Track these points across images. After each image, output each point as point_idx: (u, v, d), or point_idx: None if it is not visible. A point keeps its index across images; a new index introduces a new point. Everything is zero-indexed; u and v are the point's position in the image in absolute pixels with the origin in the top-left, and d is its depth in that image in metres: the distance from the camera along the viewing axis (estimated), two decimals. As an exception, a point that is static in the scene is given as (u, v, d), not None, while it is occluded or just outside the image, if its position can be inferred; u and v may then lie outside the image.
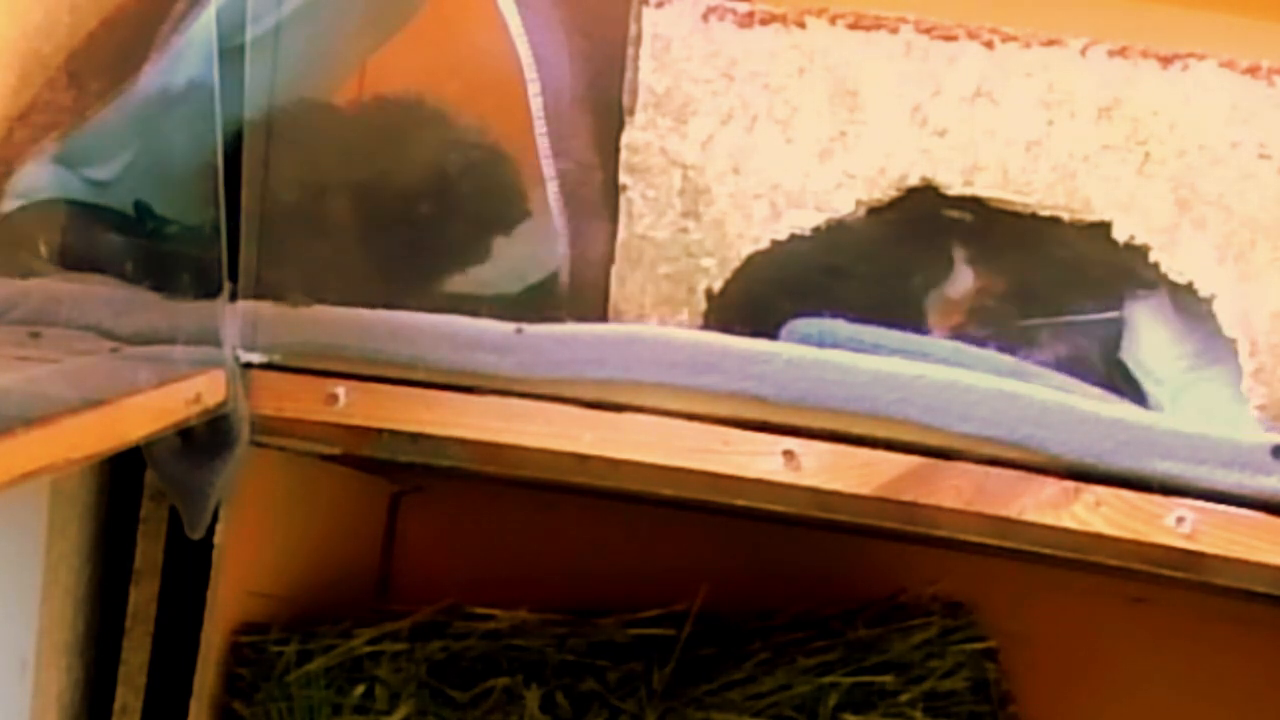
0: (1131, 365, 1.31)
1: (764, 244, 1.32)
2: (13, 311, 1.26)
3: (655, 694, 1.50)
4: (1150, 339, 1.31)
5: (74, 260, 1.35)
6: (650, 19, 1.32)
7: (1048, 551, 1.20)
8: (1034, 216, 1.29)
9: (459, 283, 1.39)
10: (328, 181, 1.37)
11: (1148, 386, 1.30)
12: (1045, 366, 1.29)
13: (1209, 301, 1.26)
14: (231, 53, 1.29)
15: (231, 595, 1.41)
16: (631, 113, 1.33)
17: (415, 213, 1.38)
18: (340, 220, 1.38)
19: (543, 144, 1.34)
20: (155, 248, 1.36)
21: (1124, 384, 1.31)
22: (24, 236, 1.33)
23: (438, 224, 1.38)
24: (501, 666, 1.52)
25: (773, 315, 1.30)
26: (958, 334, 1.32)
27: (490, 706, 1.50)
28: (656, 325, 1.32)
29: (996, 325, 1.32)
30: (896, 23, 1.29)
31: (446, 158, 1.38)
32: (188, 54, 1.32)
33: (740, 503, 1.23)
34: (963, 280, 1.33)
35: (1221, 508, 1.17)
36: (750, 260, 1.32)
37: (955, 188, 1.29)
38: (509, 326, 1.26)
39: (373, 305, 1.29)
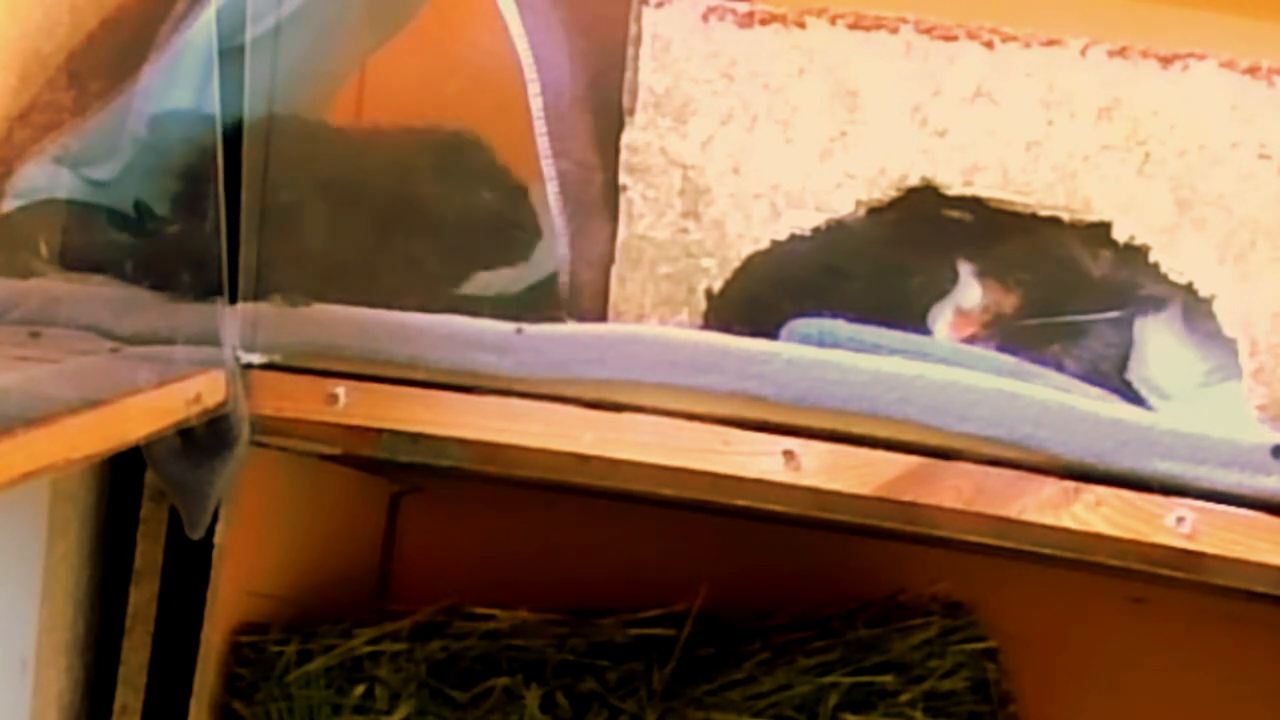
0: (1138, 384, 1.31)
1: (764, 244, 1.32)
2: (13, 311, 1.26)
3: (655, 694, 1.50)
4: (1158, 357, 1.31)
5: (74, 260, 1.35)
6: (650, 19, 1.32)
7: (1048, 551, 1.20)
8: (1034, 217, 1.29)
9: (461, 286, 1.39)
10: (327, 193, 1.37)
11: (1155, 404, 1.30)
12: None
13: (1209, 302, 1.26)
14: (231, 53, 1.29)
15: (231, 595, 1.41)
16: (631, 113, 1.33)
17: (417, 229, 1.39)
18: (340, 224, 1.38)
19: (543, 144, 1.34)
20: (155, 248, 1.36)
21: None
22: (24, 236, 1.34)
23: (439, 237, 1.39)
24: (501, 666, 1.52)
25: (773, 315, 1.30)
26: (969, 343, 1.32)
27: (490, 706, 1.50)
28: (656, 325, 1.32)
29: (1008, 338, 1.32)
30: (896, 23, 1.29)
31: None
32: (188, 54, 1.32)
33: (740, 503, 1.23)
34: (971, 290, 1.33)
35: (1221, 508, 1.17)
36: (750, 260, 1.32)
37: (955, 188, 1.29)
38: (509, 326, 1.26)
39: (373, 305, 1.29)
